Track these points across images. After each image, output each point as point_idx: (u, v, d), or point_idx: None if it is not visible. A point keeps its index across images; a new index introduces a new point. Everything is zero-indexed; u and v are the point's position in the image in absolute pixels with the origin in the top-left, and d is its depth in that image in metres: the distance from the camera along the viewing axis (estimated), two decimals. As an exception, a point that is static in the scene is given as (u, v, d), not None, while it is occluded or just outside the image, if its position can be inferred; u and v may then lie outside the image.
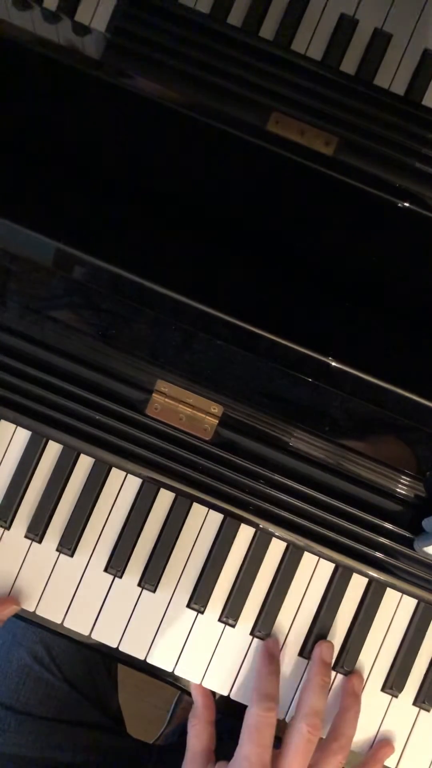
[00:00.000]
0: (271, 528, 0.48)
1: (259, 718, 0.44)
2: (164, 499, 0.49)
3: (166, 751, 0.61)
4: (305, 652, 0.48)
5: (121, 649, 0.48)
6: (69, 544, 0.49)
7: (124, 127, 0.48)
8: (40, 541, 0.49)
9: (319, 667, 0.47)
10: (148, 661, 0.48)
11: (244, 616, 0.49)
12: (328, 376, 0.44)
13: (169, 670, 0.48)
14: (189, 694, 0.49)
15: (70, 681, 0.57)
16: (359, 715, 0.47)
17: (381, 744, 0.48)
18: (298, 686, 0.48)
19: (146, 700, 0.94)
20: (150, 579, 0.48)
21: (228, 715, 0.48)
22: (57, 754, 0.55)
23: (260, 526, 0.48)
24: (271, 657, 0.48)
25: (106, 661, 0.61)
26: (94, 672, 0.59)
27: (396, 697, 0.49)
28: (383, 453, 0.48)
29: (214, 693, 0.49)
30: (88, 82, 0.47)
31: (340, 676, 0.48)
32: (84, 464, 0.49)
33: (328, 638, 0.48)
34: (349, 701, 0.47)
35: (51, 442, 0.49)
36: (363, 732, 0.48)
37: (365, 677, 0.49)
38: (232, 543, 0.49)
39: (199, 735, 0.47)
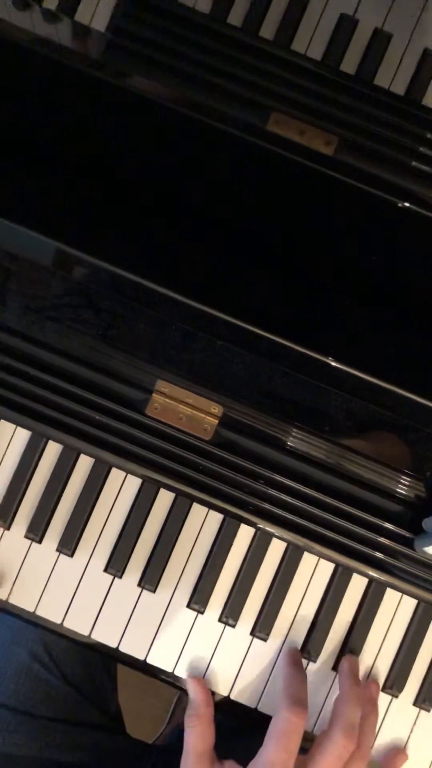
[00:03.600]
0: (271, 528, 0.48)
1: (290, 723, 0.43)
2: (164, 499, 0.49)
3: (165, 751, 0.61)
4: (305, 651, 0.48)
5: (121, 649, 0.48)
6: (69, 544, 0.49)
7: (124, 127, 0.48)
8: (40, 541, 0.49)
9: (353, 679, 0.46)
10: (148, 661, 0.48)
11: (244, 617, 0.49)
12: (328, 376, 0.44)
13: (169, 670, 0.48)
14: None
15: (70, 681, 0.57)
16: (377, 722, 0.47)
17: (397, 752, 0.48)
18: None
19: (146, 700, 0.94)
20: (150, 579, 0.48)
21: (230, 715, 0.48)
22: (57, 754, 0.55)
23: (260, 526, 0.48)
24: (299, 664, 0.47)
25: (106, 661, 0.61)
26: (94, 672, 0.59)
27: (396, 697, 0.49)
28: (383, 453, 0.48)
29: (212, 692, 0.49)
30: (88, 82, 0.47)
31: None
32: (84, 464, 0.49)
33: (328, 639, 0.48)
34: (368, 709, 0.46)
35: (51, 442, 0.49)
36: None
37: (364, 677, 0.49)
38: (232, 543, 0.49)
39: (203, 735, 0.46)
